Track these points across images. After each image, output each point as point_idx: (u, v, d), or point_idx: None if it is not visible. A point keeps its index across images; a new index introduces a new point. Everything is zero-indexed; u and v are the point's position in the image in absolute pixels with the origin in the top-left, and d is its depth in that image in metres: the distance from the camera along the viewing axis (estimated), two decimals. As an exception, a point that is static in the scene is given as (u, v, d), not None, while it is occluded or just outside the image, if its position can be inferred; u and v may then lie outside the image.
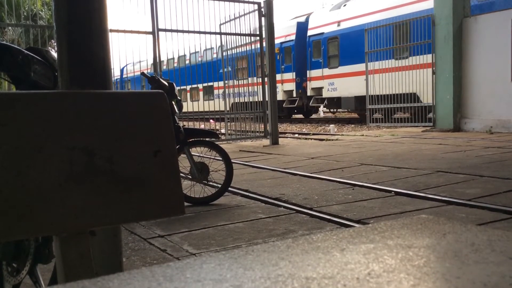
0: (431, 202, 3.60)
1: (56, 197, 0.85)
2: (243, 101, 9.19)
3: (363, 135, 10.06)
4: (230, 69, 8.99)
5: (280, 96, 9.01)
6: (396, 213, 3.34)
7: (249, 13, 9.38)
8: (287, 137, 11.27)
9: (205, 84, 9.20)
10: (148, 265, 2.52)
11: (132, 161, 0.93)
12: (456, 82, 9.76)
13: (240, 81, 9.26)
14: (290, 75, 10.90)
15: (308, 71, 10.50)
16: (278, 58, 8.65)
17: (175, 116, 3.95)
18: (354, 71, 10.90)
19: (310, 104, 14.13)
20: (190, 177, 4.02)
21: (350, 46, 13.98)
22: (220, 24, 9.67)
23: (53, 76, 1.69)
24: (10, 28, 15.33)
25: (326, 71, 14.67)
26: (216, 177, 4.12)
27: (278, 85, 8.82)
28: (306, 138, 10.56)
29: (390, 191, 4.01)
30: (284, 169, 5.55)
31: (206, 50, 9.10)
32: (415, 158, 5.92)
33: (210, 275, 0.53)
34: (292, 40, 10.67)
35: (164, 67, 10.93)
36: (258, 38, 9.47)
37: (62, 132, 0.88)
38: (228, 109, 9.61)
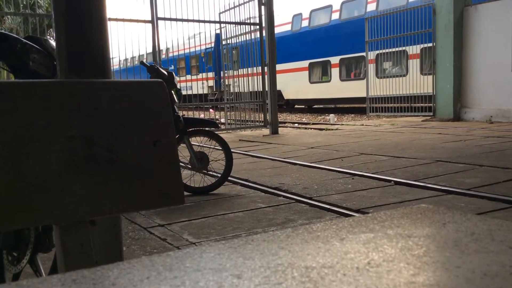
0: (431, 191, 3.61)
1: (56, 186, 0.85)
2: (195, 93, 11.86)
3: (363, 125, 10.05)
4: (173, 67, 10.90)
5: (205, 90, 12.06)
6: (396, 202, 3.35)
7: (248, 1, 9.33)
8: (287, 127, 11.28)
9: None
10: (148, 254, 2.53)
11: (131, 151, 0.93)
12: (456, 72, 9.73)
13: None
14: (212, 74, 13.33)
15: (222, 72, 13.33)
16: (203, 60, 10.74)
17: (175, 106, 3.94)
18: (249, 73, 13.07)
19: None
20: (189, 166, 4.02)
21: (244, 54, 18.51)
22: (220, 13, 9.65)
23: (52, 65, 1.68)
24: (9, 17, 15.26)
25: (232, 72, 19.43)
26: (216, 167, 4.12)
27: (204, 81, 11.34)
28: (306, 128, 10.56)
29: (389, 181, 4.02)
30: (284, 158, 5.56)
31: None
32: (415, 148, 5.92)
33: (209, 264, 0.53)
34: (212, 47, 12.85)
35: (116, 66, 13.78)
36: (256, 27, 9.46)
37: (61, 121, 0.88)
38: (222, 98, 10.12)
